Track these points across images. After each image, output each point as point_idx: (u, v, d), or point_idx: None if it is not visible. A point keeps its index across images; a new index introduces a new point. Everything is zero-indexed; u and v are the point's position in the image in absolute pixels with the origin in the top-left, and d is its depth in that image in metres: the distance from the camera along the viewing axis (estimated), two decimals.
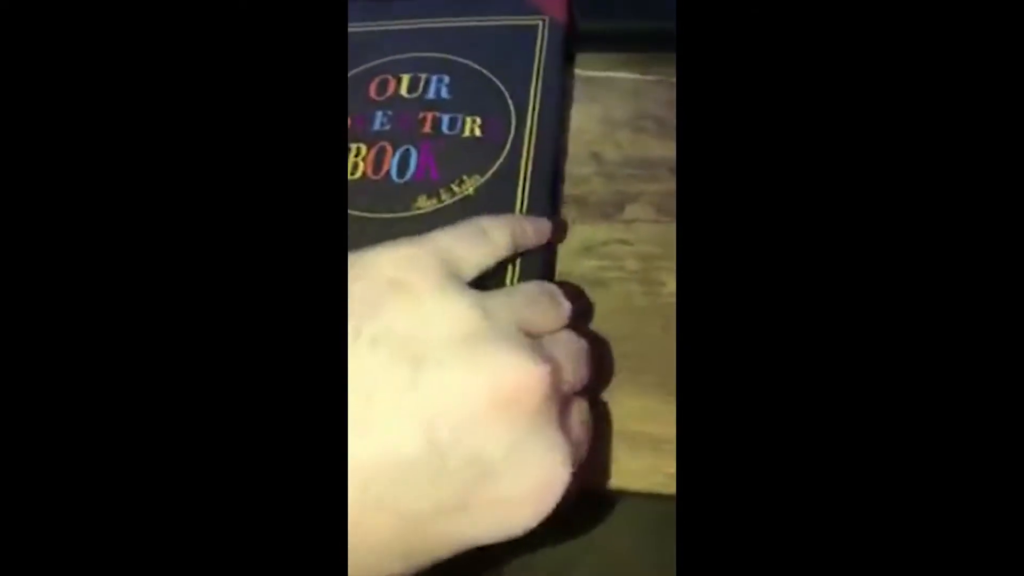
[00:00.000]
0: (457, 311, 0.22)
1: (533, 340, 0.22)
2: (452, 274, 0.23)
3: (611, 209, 0.31)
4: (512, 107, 0.32)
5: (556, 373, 0.22)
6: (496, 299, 0.23)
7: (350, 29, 0.35)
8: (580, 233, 0.31)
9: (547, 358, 0.22)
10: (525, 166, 0.30)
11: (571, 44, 0.35)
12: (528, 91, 0.33)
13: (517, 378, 0.21)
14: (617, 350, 0.28)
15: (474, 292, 0.23)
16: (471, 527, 0.21)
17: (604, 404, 0.27)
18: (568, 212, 0.31)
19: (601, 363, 0.27)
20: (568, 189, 0.32)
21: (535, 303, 0.24)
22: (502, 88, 0.33)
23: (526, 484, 0.21)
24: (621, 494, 0.26)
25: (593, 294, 0.29)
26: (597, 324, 0.28)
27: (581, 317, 0.28)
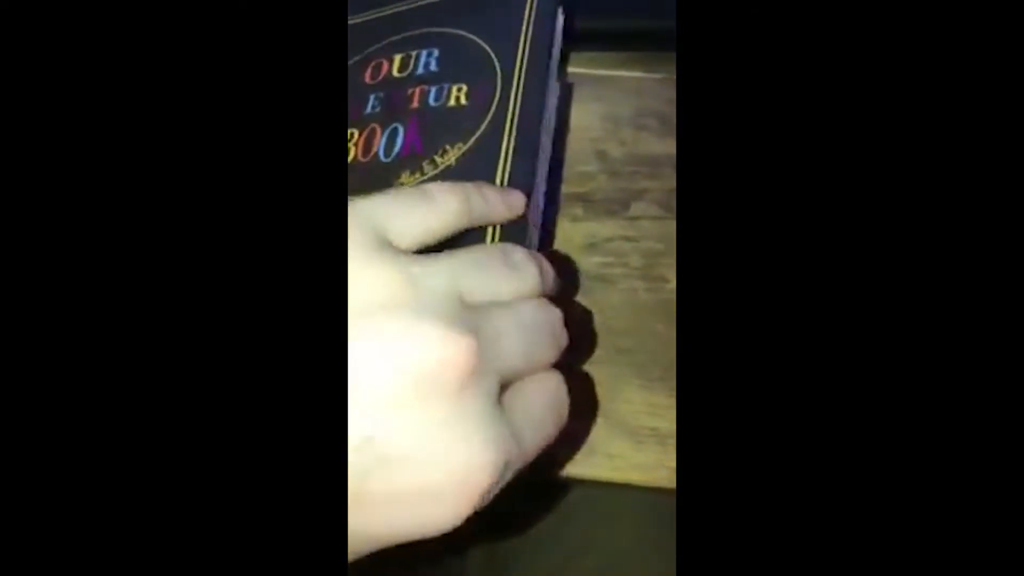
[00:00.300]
0: (374, 279, 0.19)
1: (469, 310, 0.20)
2: (380, 239, 0.20)
3: (616, 206, 0.31)
4: (499, 69, 0.31)
5: (487, 347, 0.19)
6: (431, 264, 0.20)
7: (349, 21, 0.35)
8: (585, 230, 0.31)
9: (475, 329, 0.19)
10: (508, 132, 0.29)
11: (563, 7, 0.34)
12: (515, 52, 0.31)
13: (429, 352, 0.18)
14: (621, 345, 0.28)
15: (404, 258, 0.20)
16: (377, 523, 0.18)
17: (588, 380, 0.27)
18: (573, 209, 0.31)
19: (582, 337, 0.26)
20: (573, 186, 0.32)
21: (485, 268, 0.21)
22: (489, 51, 0.31)
23: (442, 474, 0.18)
24: (625, 488, 0.26)
25: (598, 290, 0.29)
26: (601, 319, 0.29)
27: (564, 289, 0.26)
